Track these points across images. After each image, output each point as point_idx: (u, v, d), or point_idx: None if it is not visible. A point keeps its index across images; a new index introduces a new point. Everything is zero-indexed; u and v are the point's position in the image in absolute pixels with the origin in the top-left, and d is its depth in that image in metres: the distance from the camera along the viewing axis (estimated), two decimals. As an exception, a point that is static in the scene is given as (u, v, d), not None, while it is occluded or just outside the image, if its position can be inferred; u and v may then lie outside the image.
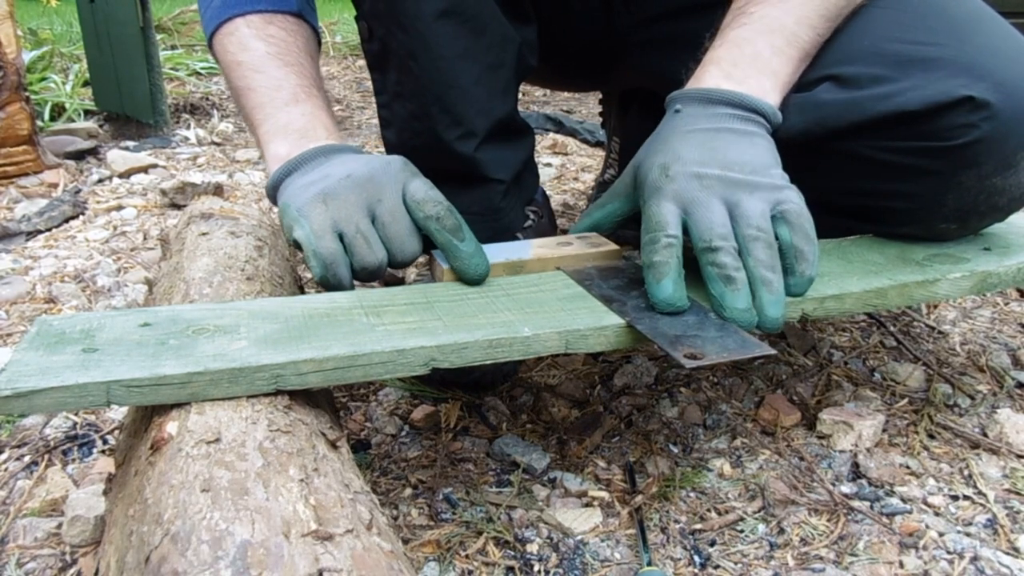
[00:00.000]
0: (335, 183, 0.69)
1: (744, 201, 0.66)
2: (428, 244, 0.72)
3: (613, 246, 0.77)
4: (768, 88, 0.72)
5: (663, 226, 0.66)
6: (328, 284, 0.69)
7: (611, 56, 1.07)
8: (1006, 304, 1.18)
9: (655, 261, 0.65)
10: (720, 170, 0.67)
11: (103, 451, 0.84)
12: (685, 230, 0.67)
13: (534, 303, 0.67)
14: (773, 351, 0.60)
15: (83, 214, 1.59)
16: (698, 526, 0.73)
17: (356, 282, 0.71)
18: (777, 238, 0.66)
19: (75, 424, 0.88)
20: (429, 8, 0.79)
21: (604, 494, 0.77)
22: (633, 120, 1.34)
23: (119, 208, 1.63)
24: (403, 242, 0.69)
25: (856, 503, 0.75)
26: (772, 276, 0.64)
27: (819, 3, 0.73)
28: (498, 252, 0.75)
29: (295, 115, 0.78)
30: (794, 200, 0.67)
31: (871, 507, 0.75)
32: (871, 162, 0.75)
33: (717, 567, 0.68)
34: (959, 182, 0.73)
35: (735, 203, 0.66)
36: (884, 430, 0.86)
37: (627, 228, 0.78)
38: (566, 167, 1.91)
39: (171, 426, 0.52)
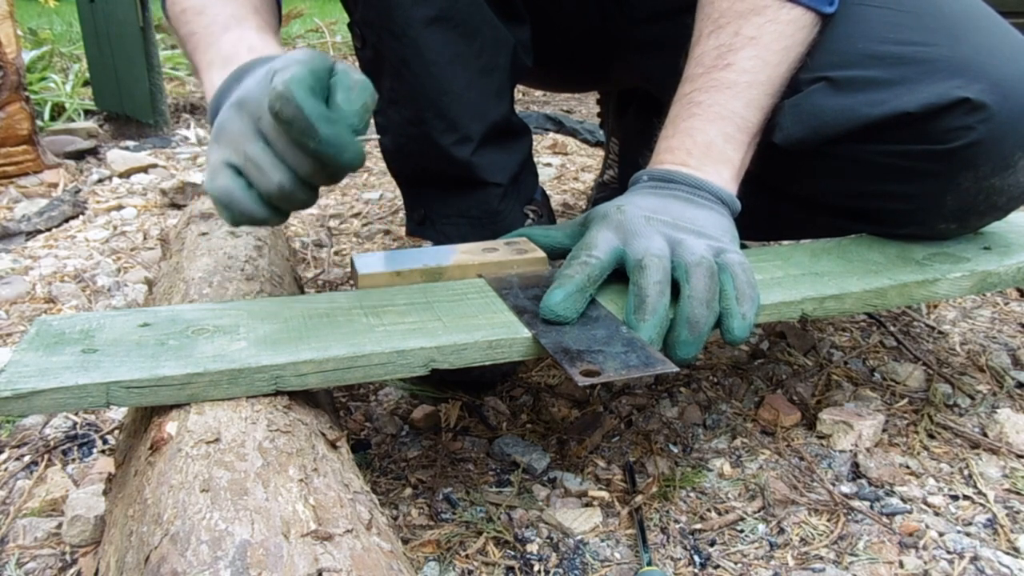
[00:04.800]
0: (224, 115, 0.62)
1: (688, 240, 0.65)
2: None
3: (539, 253, 0.75)
4: (727, 178, 0.72)
5: (590, 247, 0.66)
6: (239, 220, 0.61)
7: (606, 56, 1.07)
8: (1006, 304, 1.18)
9: (563, 273, 0.64)
10: (672, 219, 0.67)
11: (103, 451, 0.84)
12: (621, 265, 0.66)
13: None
14: (676, 368, 0.58)
15: (83, 214, 1.59)
16: (698, 526, 0.73)
17: (292, 211, 0.63)
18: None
19: (75, 424, 0.88)
20: (419, 15, 0.79)
21: (604, 494, 0.77)
22: (631, 120, 1.34)
23: (119, 208, 1.63)
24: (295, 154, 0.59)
25: (856, 503, 0.75)
26: (702, 314, 0.62)
27: (765, 81, 0.72)
28: (417, 258, 0.73)
29: (225, 44, 0.72)
30: (738, 252, 0.66)
31: (871, 507, 0.75)
32: (869, 165, 0.75)
33: (717, 567, 0.68)
34: (958, 183, 0.73)
35: (678, 241, 0.65)
36: (884, 430, 0.86)
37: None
38: (566, 167, 1.91)
39: (171, 426, 0.52)
